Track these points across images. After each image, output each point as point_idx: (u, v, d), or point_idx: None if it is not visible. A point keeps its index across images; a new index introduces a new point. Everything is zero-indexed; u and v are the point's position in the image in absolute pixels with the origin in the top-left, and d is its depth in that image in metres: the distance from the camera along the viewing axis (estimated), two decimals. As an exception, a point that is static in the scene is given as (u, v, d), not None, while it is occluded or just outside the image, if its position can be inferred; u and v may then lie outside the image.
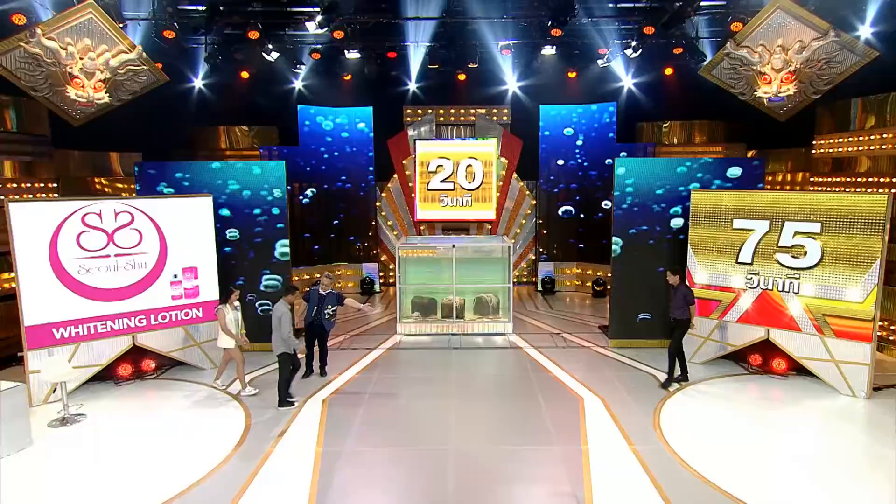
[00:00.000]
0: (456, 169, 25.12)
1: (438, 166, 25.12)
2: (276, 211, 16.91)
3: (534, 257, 26.44)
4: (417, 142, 25.35)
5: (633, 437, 11.63)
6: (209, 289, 15.85)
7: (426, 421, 12.65)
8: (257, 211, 16.91)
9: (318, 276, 15.44)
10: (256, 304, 17.10)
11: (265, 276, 17.10)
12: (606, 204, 24.24)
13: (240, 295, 14.84)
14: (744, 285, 15.12)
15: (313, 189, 24.75)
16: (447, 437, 11.80)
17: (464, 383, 14.84)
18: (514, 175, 25.87)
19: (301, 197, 24.44)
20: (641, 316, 17.23)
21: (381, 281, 26.34)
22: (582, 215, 25.38)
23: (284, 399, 13.53)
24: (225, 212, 16.76)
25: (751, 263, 14.96)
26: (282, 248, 17.06)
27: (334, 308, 15.23)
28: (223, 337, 14.07)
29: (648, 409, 13.06)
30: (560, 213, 25.44)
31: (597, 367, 15.82)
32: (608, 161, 24.02)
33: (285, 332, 13.40)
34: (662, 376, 14.86)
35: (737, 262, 15.18)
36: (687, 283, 15.06)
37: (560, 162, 25.23)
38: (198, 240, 15.66)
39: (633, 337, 17.30)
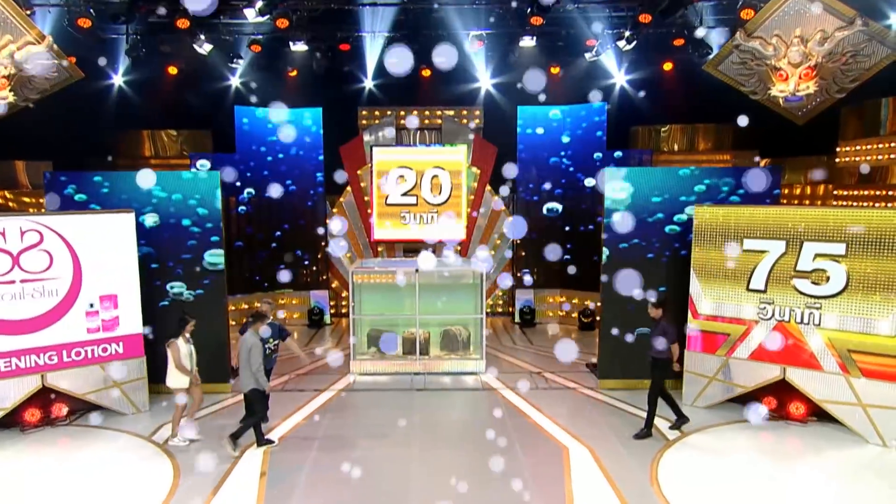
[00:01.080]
0: (420, 180, 25.00)
1: (399, 177, 24.99)
2: (209, 226, 16.82)
3: (511, 283, 26.43)
4: (374, 149, 25.21)
5: (627, 495, 11.60)
6: (131, 320, 15.73)
7: (384, 476, 12.59)
8: (190, 229, 16.84)
9: (258, 304, 15.35)
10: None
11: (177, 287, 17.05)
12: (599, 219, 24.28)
13: (195, 325, 14.62)
14: (756, 316, 15.11)
15: (251, 191, 24.56)
16: (408, 496, 11.76)
17: (428, 431, 14.81)
18: (488, 188, 25.93)
19: (238, 208, 24.37)
20: (640, 331, 16.92)
21: (332, 311, 26.21)
22: (567, 228, 25.29)
23: (262, 438, 13.74)
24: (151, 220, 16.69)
25: (764, 291, 14.95)
26: (212, 257, 16.97)
27: (276, 342, 15.08)
28: (175, 375, 13.97)
29: (645, 460, 13.04)
30: (544, 210, 25.38)
31: (584, 411, 15.86)
32: (587, 180, 24.20)
33: (255, 366, 13.38)
34: (660, 422, 14.81)
35: (748, 290, 15.18)
36: (668, 317, 14.67)
37: (553, 159, 25.25)
38: (118, 263, 15.51)
39: (627, 377, 17.17)
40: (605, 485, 12.00)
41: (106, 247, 15.34)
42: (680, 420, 14.49)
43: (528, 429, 14.84)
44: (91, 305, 15.23)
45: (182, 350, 13.92)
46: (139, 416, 15.57)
